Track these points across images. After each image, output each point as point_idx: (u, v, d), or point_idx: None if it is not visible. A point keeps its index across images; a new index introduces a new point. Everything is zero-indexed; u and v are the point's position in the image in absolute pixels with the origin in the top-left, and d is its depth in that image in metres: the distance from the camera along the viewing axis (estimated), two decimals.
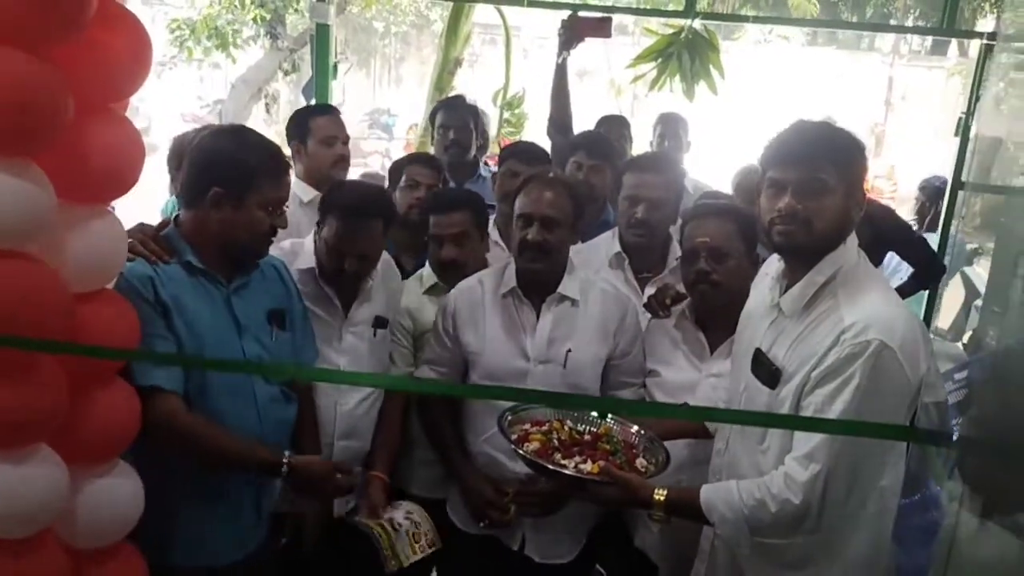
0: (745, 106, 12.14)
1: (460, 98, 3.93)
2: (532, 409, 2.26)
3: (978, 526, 1.53)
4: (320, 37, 3.96)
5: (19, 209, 1.54)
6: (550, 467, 2.03)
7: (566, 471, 2.01)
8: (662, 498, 1.91)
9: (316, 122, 3.21)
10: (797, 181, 1.78)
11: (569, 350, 2.33)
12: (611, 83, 12.31)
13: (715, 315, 2.33)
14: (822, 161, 1.77)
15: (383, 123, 17.72)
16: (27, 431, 1.65)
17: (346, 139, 3.25)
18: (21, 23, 1.47)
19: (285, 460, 2.03)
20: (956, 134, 3.76)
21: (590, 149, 3.21)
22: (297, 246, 2.49)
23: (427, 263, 2.69)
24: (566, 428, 2.20)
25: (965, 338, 4.61)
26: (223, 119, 9.10)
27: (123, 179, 1.75)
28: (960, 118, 3.78)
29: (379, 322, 2.51)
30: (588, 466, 2.02)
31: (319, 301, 2.40)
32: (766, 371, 1.86)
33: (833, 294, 1.79)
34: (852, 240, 1.84)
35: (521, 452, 2.07)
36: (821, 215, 1.77)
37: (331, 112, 3.33)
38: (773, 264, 2.00)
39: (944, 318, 5.18)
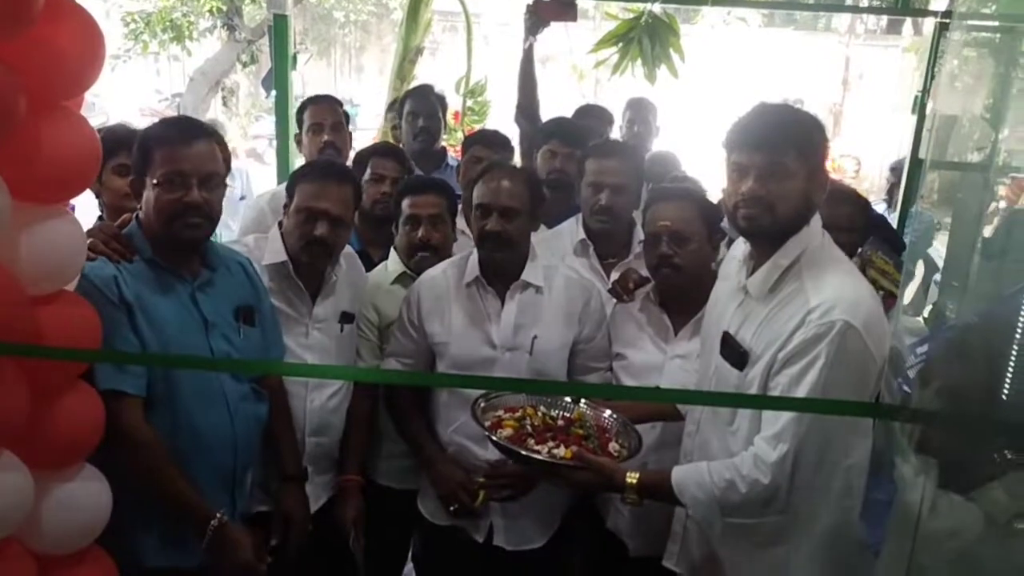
0: (706, 89, 12.18)
1: (428, 86, 3.90)
2: (504, 396, 2.26)
3: (938, 497, 1.57)
4: (278, 27, 3.91)
5: None
6: (523, 453, 2.03)
7: (539, 456, 2.02)
8: (634, 481, 1.93)
9: (305, 113, 3.29)
10: (759, 165, 1.79)
11: (535, 337, 2.34)
12: (573, 68, 12.31)
13: (678, 297, 2.36)
14: (784, 145, 1.78)
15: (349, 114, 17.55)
16: None
17: (336, 124, 3.24)
18: None
19: (216, 517, 1.99)
20: (913, 112, 3.82)
21: (564, 136, 3.19)
22: (261, 241, 2.45)
23: (392, 253, 2.68)
24: (539, 414, 2.21)
25: (925, 312, 4.68)
26: (182, 112, 8.96)
27: (79, 177, 1.72)
28: (916, 96, 3.83)
29: (345, 317, 2.49)
30: (561, 451, 2.03)
31: (285, 297, 2.38)
32: (734, 353, 1.88)
33: (798, 276, 1.80)
34: (816, 221, 1.85)
35: (494, 439, 2.07)
36: (784, 198, 1.78)
37: (319, 101, 3.37)
38: (740, 246, 2.02)
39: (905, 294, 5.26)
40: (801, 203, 1.80)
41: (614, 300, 2.52)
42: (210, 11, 8.58)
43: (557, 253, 2.72)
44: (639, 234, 2.73)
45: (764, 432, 1.79)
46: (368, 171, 2.94)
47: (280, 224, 2.44)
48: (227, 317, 2.11)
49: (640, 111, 4.22)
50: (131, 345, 1.92)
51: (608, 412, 2.23)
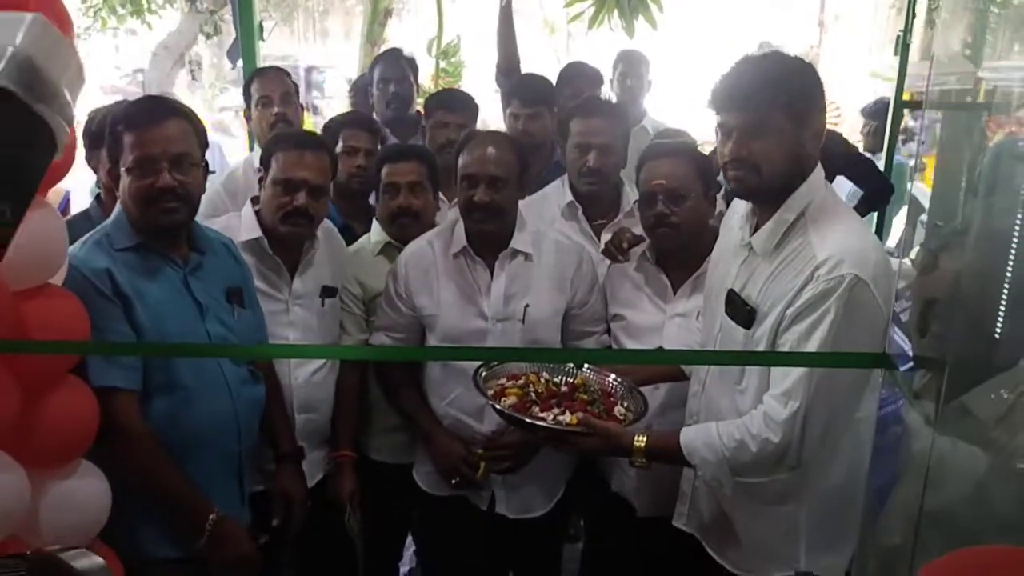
0: (683, 38, 12.08)
1: (396, 50, 3.79)
2: (507, 364, 2.23)
3: (945, 443, 1.56)
4: None
5: None
6: (528, 421, 2.00)
7: (544, 424, 1.99)
8: (642, 444, 1.91)
9: (252, 87, 3.15)
10: (740, 125, 1.74)
11: (527, 306, 2.30)
12: (545, 23, 12.13)
13: (676, 255, 2.32)
14: (764, 101, 1.71)
15: (313, 80, 17.29)
16: None
17: (285, 95, 3.11)
18: None
19: (212, 516, 1.96)
20: (896, 53, 3.77)
21: (524, 97, 3.11)
22: (233, 219, 2.40)
23: (375, 223, 2.62)
24: (542, 380, 2.18)
25: (912, 254, 4.70)
26: (146, 88, 8.76)
27: (54, 167, 1.65)
28: (898, 36, 3.78)
29: (327, 291, 2.45)
30: (567, 417, 2.01)
31: (262, 274, 2.32)
32: (740, 311, 1.85)
33: (803, 230, 1.76)
34: (818, 173, 1.81)
35: (498, 407, 2.04)
36: (769, 157, 1.73)
37: (266, 73, 3.24)
38: (741, 203, 1.97)
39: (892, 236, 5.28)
40: (791, 159, 1.75)
41: (608, 262, 2.48)
42: None
43: (544, 217, 2.67)
44: (628, 194, 2.70)
45: (773, 390, 1.76)
46: (340, 143, 2.85)
47: (253, 200, 2.38)
48: (220, 300, 2.07)
49: (632, 64, 4.08)
50: (123, 337, 1.87)
51: (612, 376, 2.20)
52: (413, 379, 2.44)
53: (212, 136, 8.29)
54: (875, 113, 5.37)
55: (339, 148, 2.83)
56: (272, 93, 3.12)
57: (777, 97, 1.71)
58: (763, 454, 1.76)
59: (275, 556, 2.36)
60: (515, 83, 3.28)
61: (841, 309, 1.66)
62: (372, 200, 2.76)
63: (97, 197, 2.65)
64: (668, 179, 2.22)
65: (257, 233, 2.32)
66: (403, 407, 2.44)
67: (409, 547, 2.99)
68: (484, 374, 2.16)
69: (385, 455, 2.57)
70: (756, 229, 1.85)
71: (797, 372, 1.71)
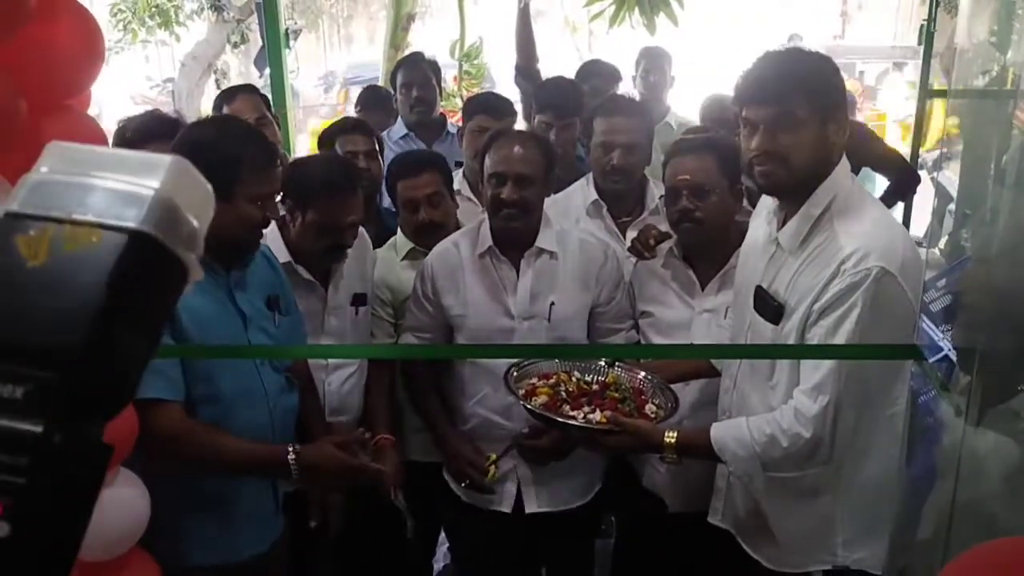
0: (705, 32, 12.03)
1: (418, 54, 3.83)
2: (537, 363, 2.25)
3: (978, 435, 1.56)
4: (268, 5, 3.84)
5: None
6: (559, 420, 2.02)
7: (575, 423, 2.01)
8: (673, 441, 1.92)
9: (229, 108, 3.06)
10: (767, 119, 1.74)
11: (552, 303, 2.31)
12: (566, 21, 12.13)
13: (702, 251, 2.32)
14: (789, 94, 1.71)
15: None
16: None
17: (261, 116, 3.02)
18: None
19: (290, 448, 1.96)
20: (919, 43, 3.74)
21: (556, 108, 3.10)
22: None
23: (399, 230, 2.64)
24: (573, 379, 2.19)
25: (941, 243, 4.65)
26: (176, 98, 8.89)
27: None
28: (922, 25, 3.75)
29: (358, 299, 2.47)
30: (597, 415, 2.02)
31: (297, 292, 2.33)
32: (768, 307, 1.85)
33: (829, 224, 1.76)
34: (843, 166, 1.80)
35: (529, 407, 2.06)
36: (797, 150, 1.73)
37: (242, 92, 3.17)
38: (769, 199, 1.97)
39: (918, 226, 5.23)
40: (818, 151, 1.74)
41: (634, 258, 2.49)
42: None
43: (569, 215, 2.68)
44: (653, 191, 2.70)
45: (803, 385, 1.76)
46: (338, 150, 2.84)
47: (280, 221, 2.38)
48: (261, 309, 2.09)
49: (655, 60, 4.09)
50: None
51: (643, 374, 2.21)
52: (436, 382, 2.46)
53: None
54: None
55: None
56: (248, 117, 2.98)
57: (801, 90, 1.71)
58: (794, 449, 1.76)
59: (314, 552, 2.39)
60: (547, 94, 3.26)
61: (868, 302, 1.65)
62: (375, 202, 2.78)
63: None
64: (692, 174, 2.22)
65: (287, 257, 2.33)
66: (423, 409, 2.47)
67: (442, 544, 3.02)
68: (515, 374, 2.18)
69: (418, 454, 2.59)
70: (783, 225, 1.85)
71: (826, 366, 1.71)
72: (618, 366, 2.25)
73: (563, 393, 2.12)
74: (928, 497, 1.89)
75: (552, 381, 2.17)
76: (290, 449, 1.94)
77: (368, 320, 2.53)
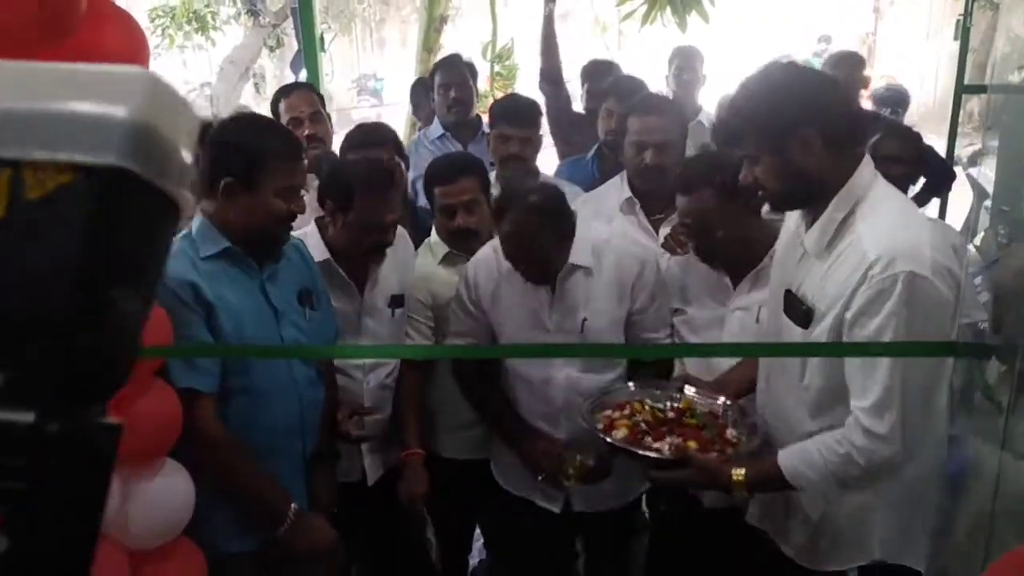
0: (737, 30, 11.95)
1: (456, 56, 3.87)
2: (612, 393, 2.23)
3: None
4: (303, 10, 3.91)
5: None
6: (642, 454, 1.97)
7: (661, 455, 1.96)
8: (742, 479, 1.85)
9: (282, 105, 3.11)
10: (747, 156, 1.78)
11: (584, 319, 2.32)
12: (595, 21, 12.11)
13: (719, 255, 2.30)
14: (740, 137, 1.77)
15: (371, 88, 17.47)
16: None
17: (314, 114, 3.07)
18: (9, 31, 1.45)
19: (292, 509, 2.02)
20: (955, 38, 3.71)
21: (620, 95, 3.13)
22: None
23: (433, 232, 2.65)
24: (647, 408, 2.14)
25: (977, 240, 4.60)
26: (213, 102, 9.02)
27: None
28: (957, 20, 3.73)
29: (396, 301, 2.50)
30: (679, 440, 1.98)
31: (333, 293, 2.37)
32: (797, 311, 1.83)
33: (852, 227, 1.74)
34: (866, 165, 1.78)
35: (610, 441, 2.02)
36: (770, 179, 1.76)
37: (296, 90, 3.21)
38: None
39: (954, 223, 5.17)
40: (793, 173, 1.74)
41: (668, 254, 2.49)
42: None
43: (603, 213, 2.70)
44: None
45: (862, 401, 1.71)
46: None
47: (318, 220, 2.43)
48: (293, 303, 2.13)
49: (687, 59, 4.09)
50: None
51: (721, 399, 2.14)
52: (492, 378, 2.48)
53: None
54: (886, 100, 5.22)
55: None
56: (301, 113, 3.07)
57: (746, 131, 1.76)
58: (873, 466, 1.72)
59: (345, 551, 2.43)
60: (613, 82, 3.33)
61: (903, 309, 1.62)
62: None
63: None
64: (692, 215, 2.24)
65: (326, 255, 2.37)
66: (485, 406, 2.49)
67: (477, 539, 3.06)
68: (590, 408, 2.15)
69: (452, 451, 2.63)
70: (809, 227, 1.84)
71: (882, 380, 1.67)
72: (692, 391, 2.19)
73: (642, 424, 2.07)
74: (963, 497, 1.88)
75: (627, 411, 2.12)
76: (293, 504, 2.02)
77: (404, 321, 2.55)
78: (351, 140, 2.87)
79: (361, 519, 2.53)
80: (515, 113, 3.07)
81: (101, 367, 0.43)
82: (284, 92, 3.21)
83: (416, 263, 2.62)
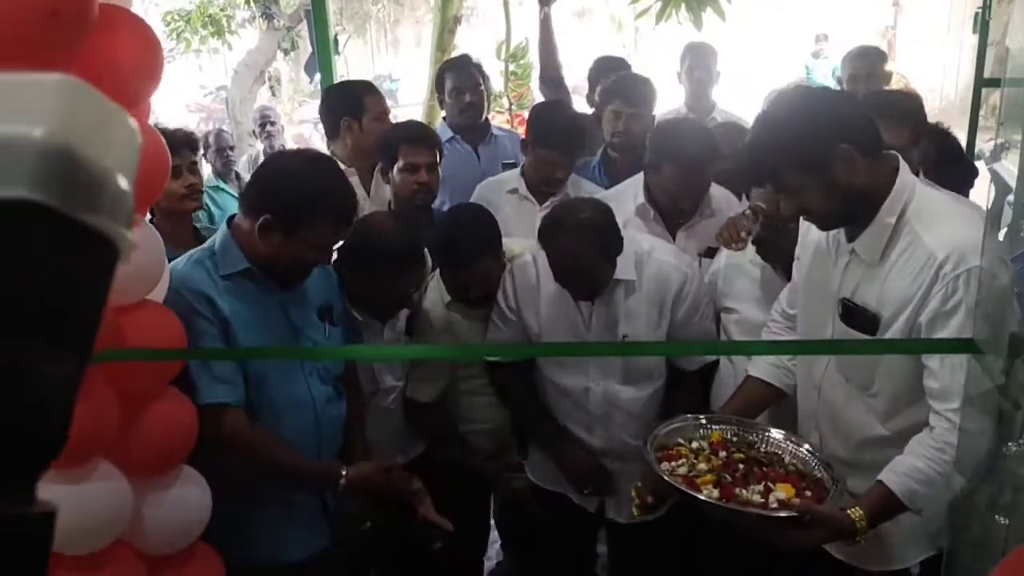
0: (754, 25, 11.89)
1: (465, 57, 3.85)
2: (673, 425, 2.05)
3: None
4: (318, 12, 3.91)
5: None
6: (747, 512, 1.73)
7: (765, 512, 1.73)
8: (864, 522, 1.71)
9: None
10: (772, 192, 1.79)
11: (624, 336, 2.31)
12: (611, 18, 12.11)
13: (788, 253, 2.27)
14: (773, 172, 1.75)
15: (387, 89, 17.54)
16: (82, 448, 1.66)
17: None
18: (22, 37, 1.45)
19: (343, 473, 2.04)
20: (974, 31, 3.66)
21: (626, 96, 3.12)
22: None
23: (440, 278, 2.53)
24: (719, 456, 1.93)
25: (1000, 235, 4.55)
26: (229, 105, 9.07)
27: (151, 187, 1.75)
28: (976, 13, 3.67)
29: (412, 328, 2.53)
30: (781, 494, 1.77)
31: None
32: (862, 319, 1.80)
33: (909, 229, 1.72)
34: (904, 175, 1.76)
35: (702, 498, 1.76)
36: (814, 203, 1.75)
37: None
38: None
39: None
40: (838, 193, 1.72)
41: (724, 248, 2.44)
42: (246, 2, 8.68)
43: (619, 214, 2.65)
44: (711, 195, 2.65)
45: (950, 403, 1.69)
46: (400, 160, 2.75)
47: (335, 264, 2.39)
48: (312, 319, 2.12)
49: (700, 57, 4.02)
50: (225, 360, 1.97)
51: (807, 446, 1.94)
52: (530, 385, 2.48)
53: (292, 147, 8.34)
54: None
55: (399, 164, 2.75)
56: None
57: (780, 164, 1.74)
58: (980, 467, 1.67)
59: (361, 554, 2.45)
60: (618, 83, 3.28)
61: (975, 298, 1.62)
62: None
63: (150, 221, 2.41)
64: (768, 203, 2.19)
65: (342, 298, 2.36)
66: (524, 412, 2.50)
67: (494, 542, 3.05)
68: (654, 444, 1.96)
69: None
70: (852, 234, 1.81)
71: (961, 380, 1.65)
72: (778, 433, 2.00)
73: (728, 477, 1.84)
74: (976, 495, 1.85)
75: (705, 461, 1.90)
76: (342, 474, 2.03)
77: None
78: (401, 134, 2.82)
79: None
80: (559, 140, 2.88)
81: (25, 442, 0.34)
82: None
83: (428, 299, 2.54)
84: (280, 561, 2.10)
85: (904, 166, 1.78)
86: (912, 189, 1.75)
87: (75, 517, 1.66)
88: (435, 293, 2.54)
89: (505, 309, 2.40)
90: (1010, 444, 1.42)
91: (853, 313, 1.83)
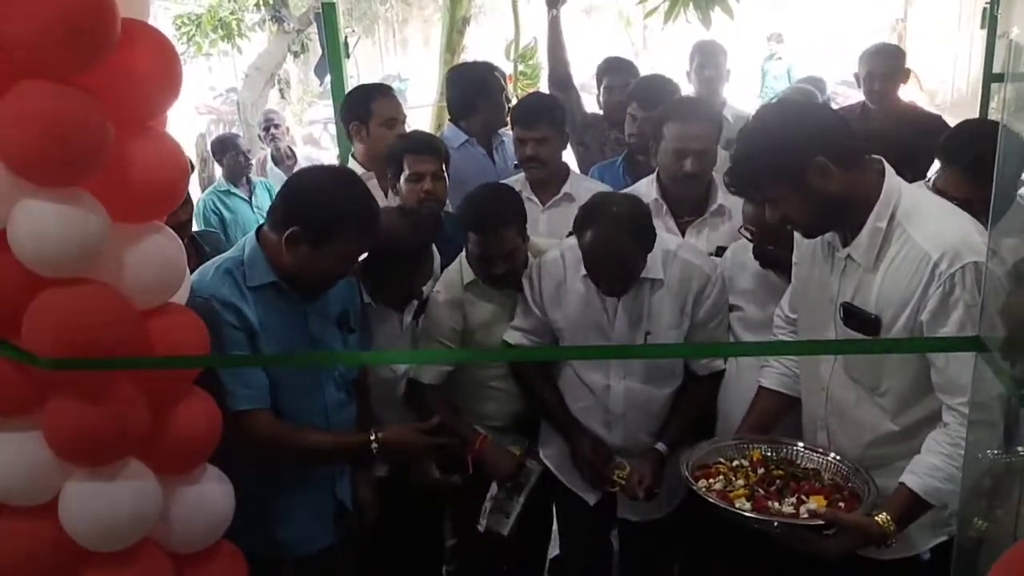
0: (762, 23, 11.85)
1: (489, 65, 3.85)
2: (713, 445, 2.11)
3: None
4: (327, 15, 3.95)
5: (77, 237, 1.58)
6: (780, 521, 1.81)
7: (798, 521, 1.80)
8: (892, 525, 1.77)
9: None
10: (758, 203, 1.86)
11: (648, 333, 2.33)
12: (620, 15, 12.07)
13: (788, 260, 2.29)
14: (755, 184, 1.82)
15: (396, 89, 17.50)
16: (113, 448, 1.72)
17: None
18: (49, 54, 1.49)
19: (373, 437, 2.12)
20: (983, 26, 3.66)
21: (643, 100, 3.17)
22: None
23: (464, 257, 2.54)
24: (757, 472, 1.99)
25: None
26: (240, 108, 9.11)
27: (171, 193, 1.78)
28: (985, 8, 3.68)
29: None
30: (812, 504, 1.84)
31: (370, 317, 2.45)
32: (863, 322, 1.84)
33: (901, 231, 1.77)
34: (891, 179, 1.81)
35: (739, 511, 1.85)
36: (797, 213, 1.81)
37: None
38: None
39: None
40: (819, 201, 1.77)
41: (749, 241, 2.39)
42: (256, 5, 8.71)
43: None
44: (717, 191, 2.67)
45: (961, 397, 1.72)
46: (406, 170, 2.75)
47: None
48: (331, 329, 2.18)
49: (710, 55, 4.02)
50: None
51: (832, 454, 1.99)
52: (549, 374, 2.51)
53: (302, 149, 8.40)
54: None
55: (405, 174, 2.75)
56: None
57: (761, 175, 1.80)
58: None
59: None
60: (639, 86, 3.35)
61: (978, 297, 1.65)
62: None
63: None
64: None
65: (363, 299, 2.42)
66: (543, 402, 2.52)
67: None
68: (691, 464, 2.02)
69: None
70: (846, 239, 1.85)
71: (969, 375, 1.65)
72: (806, 448, 2.04)
73: (761, 491, 1.91)
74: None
75: (743, 478, 1.97)
76: (373, 438, 2.12)
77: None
78: (405, 146, 2.82)
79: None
80: (524, 115, 3.04)
81: None
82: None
83: (444, 279, 2.56)
84: (292, 554, 2.16)
85: (890, 171, 1.82)
86: (900, 193, 1.79)
87: (107, 514, 1.71)
88: (454, 274, 2.54)
89: (530, 300, 2.42)
90: (1016, 443, 1.44)
91: (855, 316, 1.86)
